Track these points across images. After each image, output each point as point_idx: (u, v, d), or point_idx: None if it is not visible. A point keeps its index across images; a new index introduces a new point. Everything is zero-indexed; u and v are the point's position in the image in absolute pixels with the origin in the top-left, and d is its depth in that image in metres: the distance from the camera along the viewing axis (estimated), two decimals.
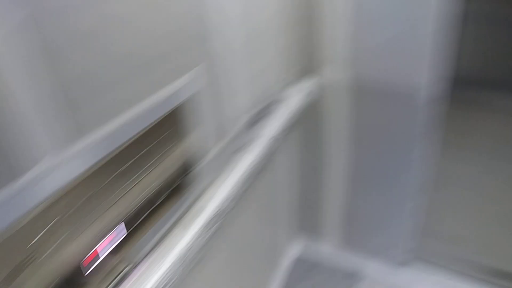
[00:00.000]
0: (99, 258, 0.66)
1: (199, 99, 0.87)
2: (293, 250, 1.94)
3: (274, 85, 1.32)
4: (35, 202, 0.55)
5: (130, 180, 0.70)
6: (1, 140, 0.48)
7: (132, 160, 0.68)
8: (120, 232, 0.69)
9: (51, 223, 0.57)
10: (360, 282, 1.79)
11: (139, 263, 0.72)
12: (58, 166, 0.56)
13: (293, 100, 1.39)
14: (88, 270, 0.65)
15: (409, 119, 1.44)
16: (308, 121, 1.60)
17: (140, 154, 0.70)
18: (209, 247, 0.83)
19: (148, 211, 0.78)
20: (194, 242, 0.77)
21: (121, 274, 0.72)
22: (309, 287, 1.80)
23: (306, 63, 1.48)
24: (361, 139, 1.57)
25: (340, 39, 1.38)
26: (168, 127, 0.76)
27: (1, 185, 0.49)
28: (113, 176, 0.65)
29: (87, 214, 0.62)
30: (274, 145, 1.17)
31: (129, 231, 0.72)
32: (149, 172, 0.74)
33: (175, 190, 0.85)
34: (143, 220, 0.75)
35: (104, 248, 0.67)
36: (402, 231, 1.71)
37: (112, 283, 0.70)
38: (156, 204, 0.79)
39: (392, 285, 1.77)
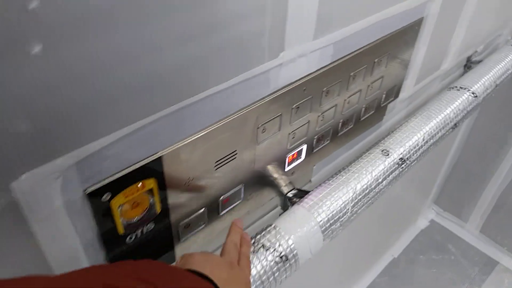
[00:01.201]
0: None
1: (425, 25, 0.80)
2: (425, 221, 1.92)
3: (502, 22, 1.16)
4: (272, 88, 0.56)
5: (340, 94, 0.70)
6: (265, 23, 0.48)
7: (351, 74, 0.68)
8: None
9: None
10: (498, 272, 1.74)
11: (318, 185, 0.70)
12: (297, 59, 0.56)
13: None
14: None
15: None
16: None
17: (358, 69, 0.69)
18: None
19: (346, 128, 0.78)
20: (372, 184, 0.70)
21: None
22: (436, 259, 1.77)
23: None
24: None
25: None
26: (387, 48, 0.73)
27: (251, 66, 0.50)
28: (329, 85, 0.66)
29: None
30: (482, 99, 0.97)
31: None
32: (358, 91, 0.73)
33: (373, 114, 0.84)
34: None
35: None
36: None
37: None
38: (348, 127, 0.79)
39: None
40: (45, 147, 0.35)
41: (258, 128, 0.57)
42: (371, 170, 0.71)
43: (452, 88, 0.92)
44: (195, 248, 0.61)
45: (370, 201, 0.70)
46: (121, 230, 0.47)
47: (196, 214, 0.57)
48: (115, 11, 0.33)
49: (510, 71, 1.03)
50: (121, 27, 0.34)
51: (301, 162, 0.72)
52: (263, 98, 0.55)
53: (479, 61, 1.07)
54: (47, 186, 0.37)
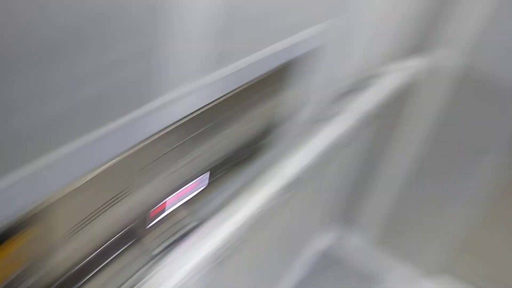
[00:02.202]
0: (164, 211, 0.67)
1: (311, 57, 0.83)
2: (322, 242, 1.93)
3: (379, 57, 1.22)
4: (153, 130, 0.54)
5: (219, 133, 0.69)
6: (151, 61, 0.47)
7: (232, 110, 0.68)
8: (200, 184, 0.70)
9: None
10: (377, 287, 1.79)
11: (201, 223, 0.71)
12: (183, 97, 0.55)
13: (391, 80, 1.21)
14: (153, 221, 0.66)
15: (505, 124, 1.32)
16: (391, 108, 1.42)
17: (244, 103, 0.70)
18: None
19: (225, 167, 0.77)
20: (259, 209, 0.75)
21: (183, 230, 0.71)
22: (323, 283, 1.79)
23: (419, 40, 1.31)
24: (439, 138, 1.46)
25: (472, 19, 1.22)
26: (273, 81, 0.75)
27: (136, 107, 0.48)
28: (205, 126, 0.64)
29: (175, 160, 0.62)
30: (361, 124, 1.08)
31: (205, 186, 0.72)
32: (239, 126, 0.73)
33: (254, 150, 0.84)
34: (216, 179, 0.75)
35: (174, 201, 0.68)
36: (441, 241, 1.67)
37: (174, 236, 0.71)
38: (230, 164, 0.78)
39: None
40: None
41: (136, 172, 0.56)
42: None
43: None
44: None
45: None
46: None
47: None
48: None
49: None
50: None
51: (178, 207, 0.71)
52: (145, 139, 0.54)
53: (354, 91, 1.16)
54: None
